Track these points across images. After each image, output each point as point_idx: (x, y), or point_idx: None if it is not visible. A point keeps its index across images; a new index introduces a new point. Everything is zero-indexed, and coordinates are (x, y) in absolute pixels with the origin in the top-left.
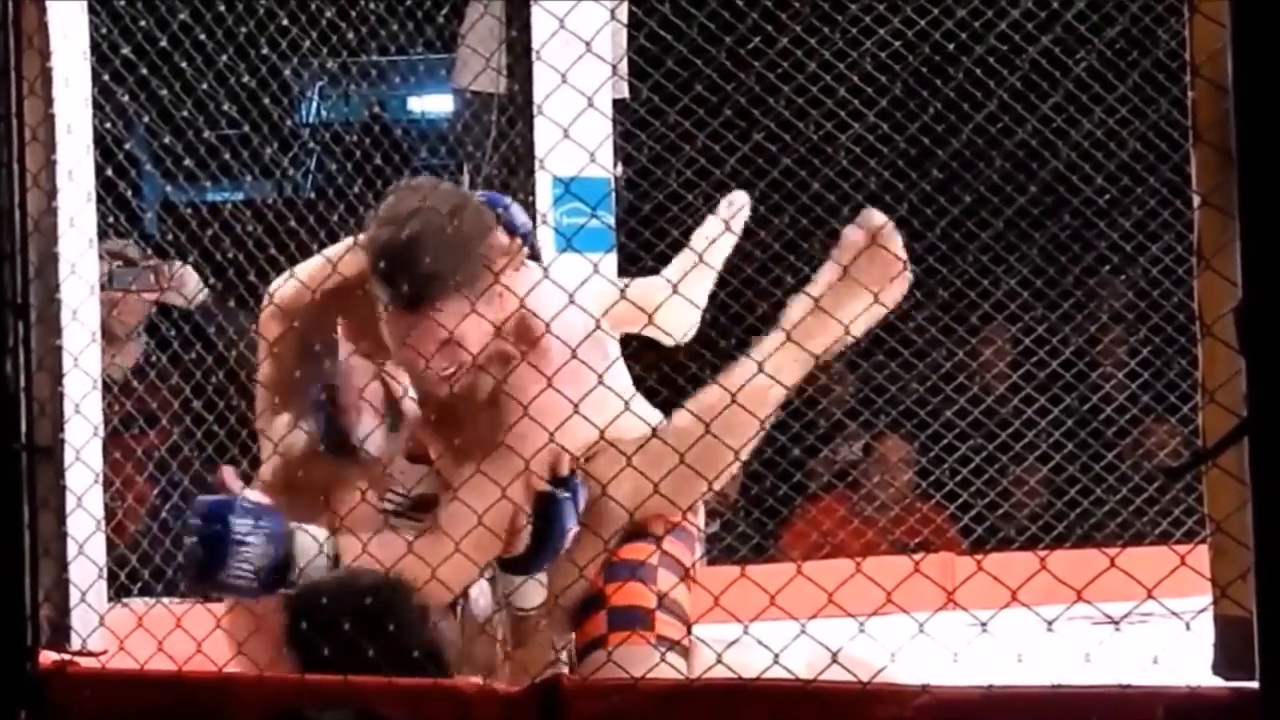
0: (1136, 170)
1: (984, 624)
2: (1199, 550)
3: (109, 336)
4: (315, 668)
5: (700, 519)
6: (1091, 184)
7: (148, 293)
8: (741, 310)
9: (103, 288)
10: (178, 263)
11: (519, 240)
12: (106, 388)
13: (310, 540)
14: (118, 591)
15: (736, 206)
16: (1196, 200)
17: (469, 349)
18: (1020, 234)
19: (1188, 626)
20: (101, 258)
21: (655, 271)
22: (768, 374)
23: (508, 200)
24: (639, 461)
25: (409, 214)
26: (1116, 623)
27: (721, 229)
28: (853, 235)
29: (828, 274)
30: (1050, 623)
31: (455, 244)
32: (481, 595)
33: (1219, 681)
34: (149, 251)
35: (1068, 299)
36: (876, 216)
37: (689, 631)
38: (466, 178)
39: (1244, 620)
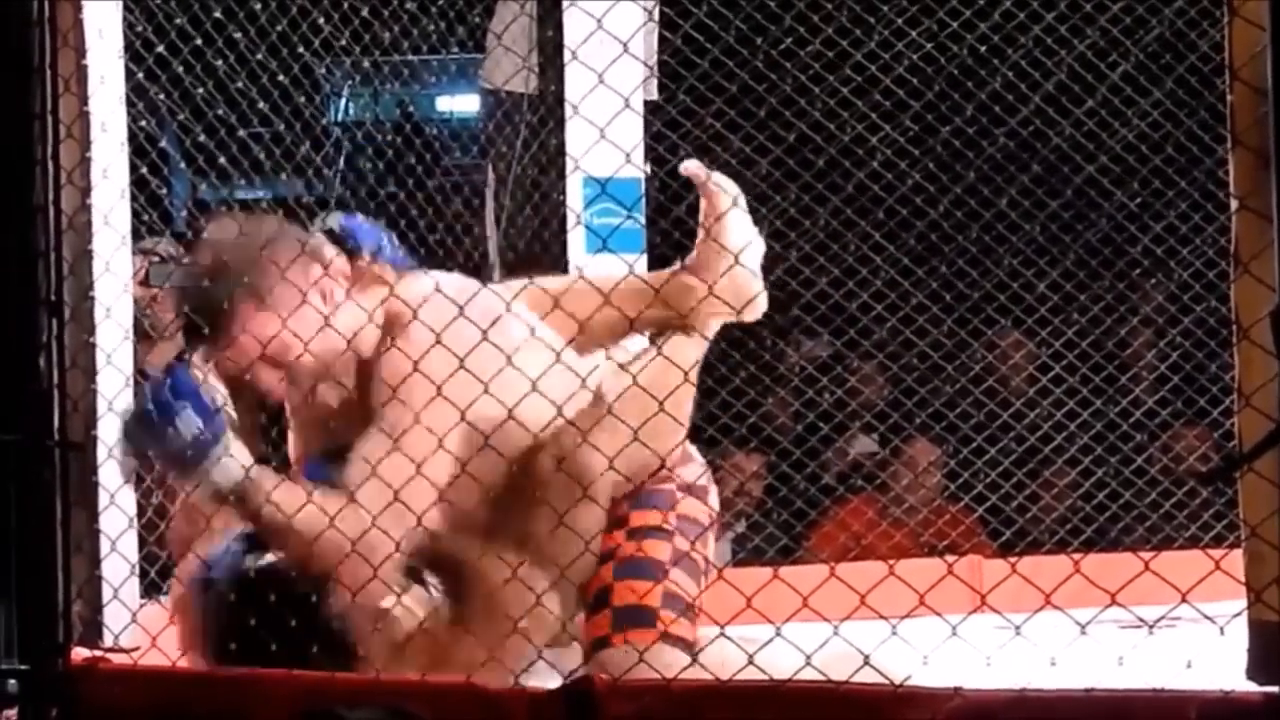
0: (1173, 174)
1: (1018, 627)
2: (1233, 554)
3: (144, 334)
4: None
5: (714, 499)
6: (1128, 187)
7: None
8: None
9: (142, 284)
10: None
11: (367, 257)
12: (139, 385)
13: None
14: (149, 588)
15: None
16: (1234, 204)
17: (295, 351)
18: (1055, 237)
19: (1221, 631)
20: (136, 255)
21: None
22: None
23: (358, 221)
24: (608, 418)
25: (193, 263)
26: (1151, 626)
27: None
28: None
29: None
30: (1084, 626)
31: (241, 272)
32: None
33: (1252, 686)
34: (183, 249)
35: (1101, 303)
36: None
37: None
38: (493, 178)
39: (1277, 625)
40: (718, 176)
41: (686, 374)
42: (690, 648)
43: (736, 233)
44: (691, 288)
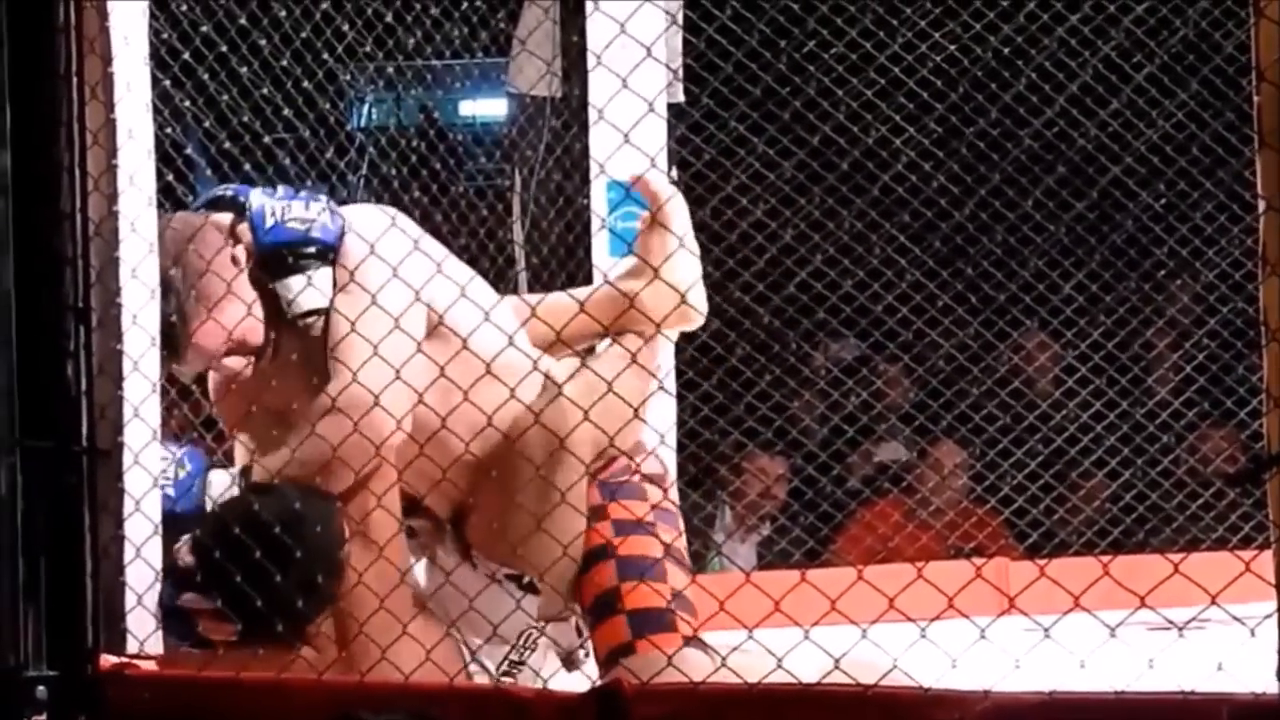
0: (1199, 175)
1: (1046, 630)
2: (1262, 555)
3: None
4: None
5: (674, 495)
6: (1154, 189)
7: None
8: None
9: None
10: None
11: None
12: (165, 391)
13: (223, 475)
14: None
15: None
16: (1262, 205)
17: (253, 336)
18: (1080, 239)
19: (1252, 633)
20: None
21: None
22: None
23: (239, 186)
24: (575, 396)
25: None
26: (1180, 629)
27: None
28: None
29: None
30: (1114, 629)
31: (175, 282)
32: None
33: None
34: None
35: (1127, 304)
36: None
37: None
38: (519, 182)
39: None
40: (655, 178)
41: (649, 371)
42: (703, 645)
43: (658, 243)
44: (615, 299)
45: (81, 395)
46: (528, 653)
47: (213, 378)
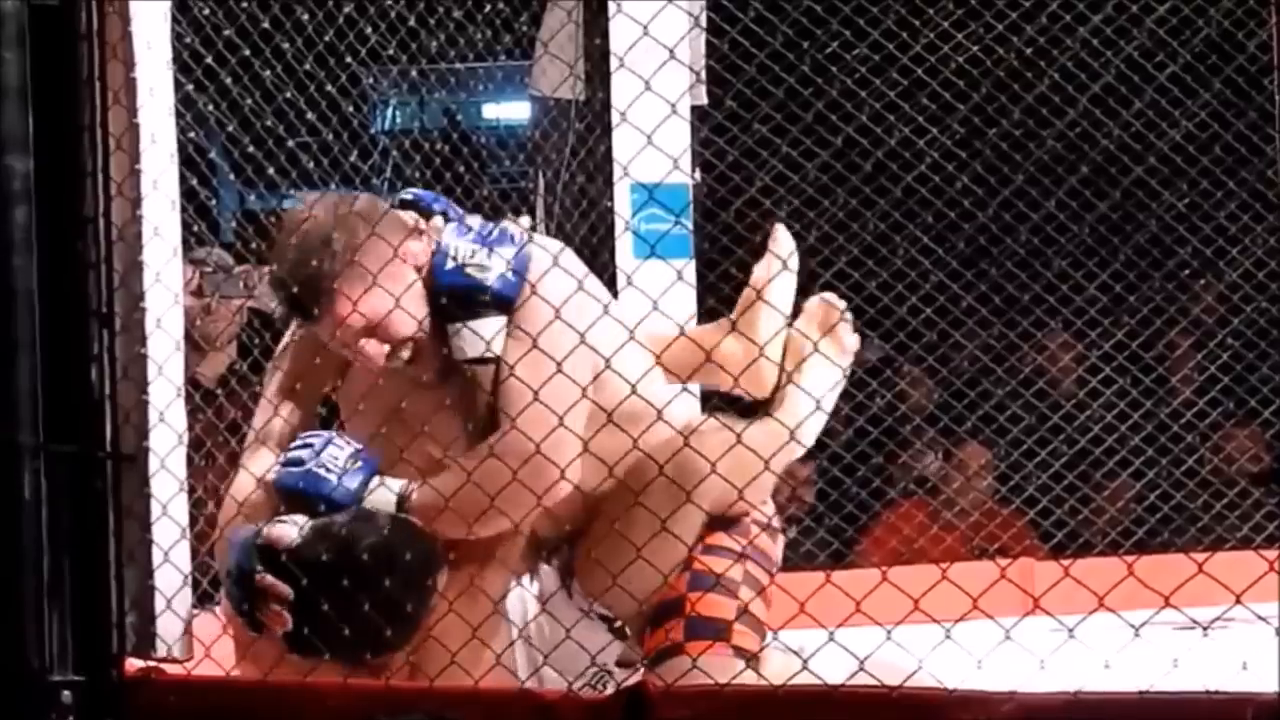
0: (1223, 174)
1: (1071, 630)
2: None
3: (196, 345)
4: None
5: (780, 548)
6: (1177, 188)
7: (239, 299)
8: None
9: (196, 295)
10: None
11: (440, 220)
12: (190, 396)
13: (386, 491)
14: (202, 599)
15: (786, 249)
16: None
17: (397, 325)
18: (1104, 239)
19: (1276, 632)
20: (187, 265)
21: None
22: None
23: (423, 191)
24: (724, 449)
25: (284, 245)
26: (1205, 628)
27: (778, 270)
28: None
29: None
30: (1138, 628)
31: (336, 246)
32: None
33: None
34: (233, 260)
35: (1151, 304)
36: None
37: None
38: (542, 185)
39: None
40: (781, 236)
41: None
42: (756, 660)
43: (768, 319)
44: (693, 350)
45: (105, 400)
46: (595, 692)
47: (349, 393)
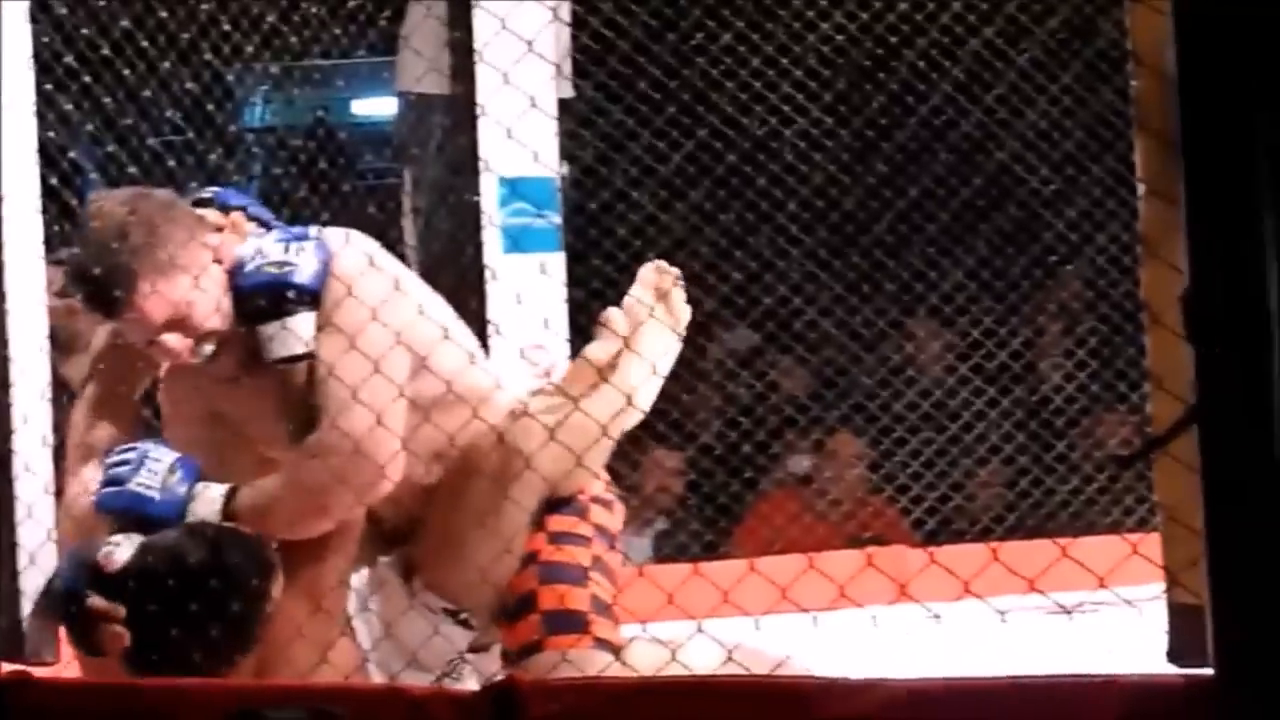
0: (1081, 161)
1: (937, 616)
2: (1151, 538)
3: (62, 347)
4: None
5: (619, 514)
6: (1037, 175)
7: None
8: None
9: (60, 295)
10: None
11: (239, 213)
12: (57, 397)
13: (213, 493)
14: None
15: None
16: (1141, 189)
17: (199, 317)
18: (966, 227)
19: (1141, 614)
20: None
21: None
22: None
23: (223, 189)
24: (552, 427)
25: (81, 240)
26: (1070, 612)
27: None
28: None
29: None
30: (1003, 614)
31: (134, 238)
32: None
33: (1173, 669)
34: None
35: (1015, 290)
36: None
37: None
38: (409, 180)
39: (1196, 607)
40: (655, 267)
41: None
42: (617, 650)
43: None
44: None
45: None
46: (452, 681)
47: (165, 365)
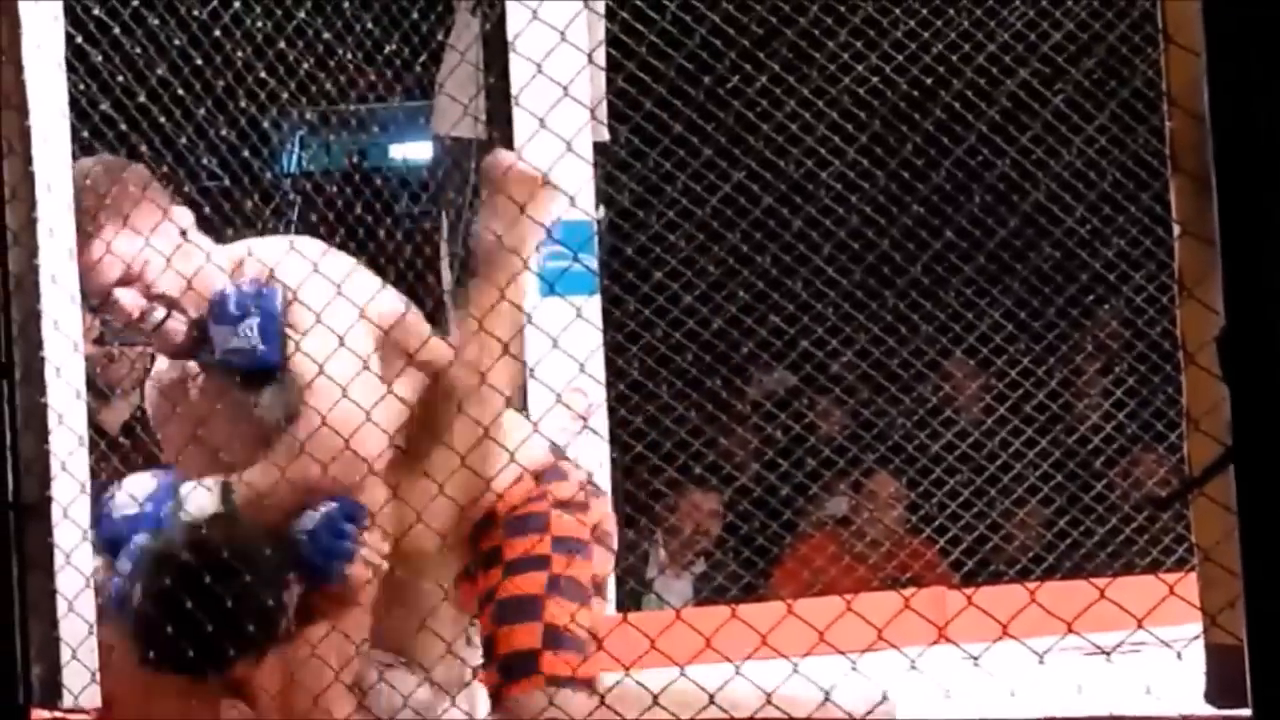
0: (1117, 200)
1: (976, 658)
2: (1188, 579)
3: (99, 393)
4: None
5: (597, 513)
6: (1073, 215)
7: (141, 345)
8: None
9: (97, 342)
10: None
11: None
12: (94, 444)
13: (203, 492)
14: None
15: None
16: (1176, 229)
17: (154, 276)
18: (1003, 268)
19: (1179, 656)
20: (86, 313)
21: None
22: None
23: None
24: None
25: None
26: (1108, 654)
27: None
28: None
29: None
30: (1042, 655)
31: (86, 200)
32: None
33: (1211, 710)
34: None
35: (1052, 330)
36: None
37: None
38: (446, 225)
39: (1234, 648)
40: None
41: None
42: (588, 683)
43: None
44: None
45: (7, 450)
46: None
47: (151, 401)
